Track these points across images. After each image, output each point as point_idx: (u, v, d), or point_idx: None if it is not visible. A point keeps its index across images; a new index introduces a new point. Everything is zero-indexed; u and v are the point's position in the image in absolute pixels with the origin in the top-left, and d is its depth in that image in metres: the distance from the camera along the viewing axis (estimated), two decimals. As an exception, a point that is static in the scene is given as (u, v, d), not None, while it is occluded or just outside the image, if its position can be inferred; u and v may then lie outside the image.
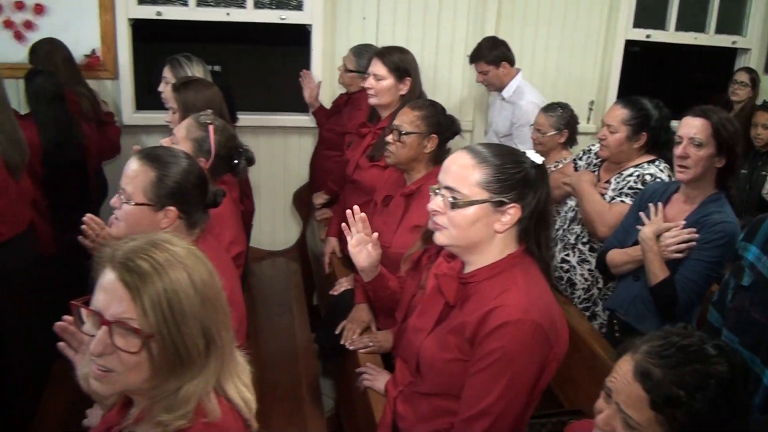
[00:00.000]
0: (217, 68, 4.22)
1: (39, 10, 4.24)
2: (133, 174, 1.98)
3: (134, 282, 1.24)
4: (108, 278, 1.26)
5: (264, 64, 4.74)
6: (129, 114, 4.44)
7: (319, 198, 4.15)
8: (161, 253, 1.28)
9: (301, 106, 4.52)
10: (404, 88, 3.30)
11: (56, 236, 3.47)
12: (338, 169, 3.97)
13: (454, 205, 1.75)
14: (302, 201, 4.69)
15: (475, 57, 4.18)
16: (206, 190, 2.08)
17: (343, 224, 2.42)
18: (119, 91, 4.41)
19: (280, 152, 4.68)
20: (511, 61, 4.17)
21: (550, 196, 1.86)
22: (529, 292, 1.74)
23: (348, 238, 2.40)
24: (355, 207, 2.39)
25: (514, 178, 1.76)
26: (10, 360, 2.94)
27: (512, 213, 1.75)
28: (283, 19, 4.40)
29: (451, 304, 1.85)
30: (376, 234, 2.40)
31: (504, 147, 1.90)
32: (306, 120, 4.58)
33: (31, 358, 3.05)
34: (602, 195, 3.10)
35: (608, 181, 3.15)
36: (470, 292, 1.82)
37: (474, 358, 1.75)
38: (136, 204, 1.96)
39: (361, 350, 2.72)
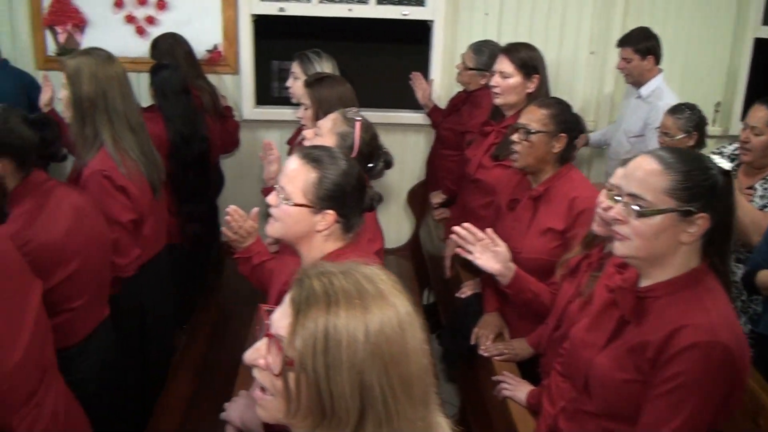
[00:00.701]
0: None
1: (162, 5, 4.31)
2: (294, 173, 1.93)
3: (300, 303, 1.13)
4: (290, 291, 1.18)
5: (382, 60, 4.68)
6: (249, 109, 4.47)
7: (437, 197, 4.08)
8: (346, 283, 1.13)
9: (416, 104, 4.45)
10: (531, 86, 3.17)
11: (180, 227, 3.52)
12: (457, 168, 3.89)
13: (640, 214, 1.64)
14: (416, 199, 4.63)
15: (624, 41, 3.98)
16: (364, 193, 2.02)
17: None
18: (240, 86, 4.44)
19: (396, 149, 4.55)
20: (657, 58, 3.98)
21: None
22: (717, 312, 1.61)
23: (469, 256, 2.32)
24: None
25: (703, 185, 1.63)
26: (149, 344, 3.00)
27: (700, 223, 1.63)
28: (405, 15, 4.34)
29: (628, 320, 1.74)
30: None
31: (689, 152, 1.78)
32: (423, 117, 4.51)
33: (164, 343, 3.14)
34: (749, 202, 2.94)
35: (752, 187, 2.97)
36: (648, 308, 1.70)
37: (655, 381, 1.63)
38: (296, 204, 1.92)
39: (495, 357, 2.63)
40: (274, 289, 2.15)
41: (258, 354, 1.16)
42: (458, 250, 2.52)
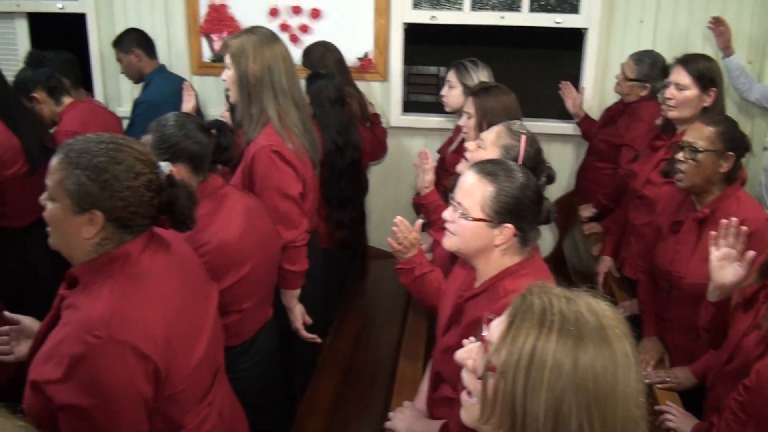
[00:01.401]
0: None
1: (315, 14, 4.40)
2: (471, 188, 1.93)
3: (515, 316, 1.13)
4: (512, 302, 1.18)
5: (529, 67, 4.60)
6: (396, 116, 4.50)
7: (587, 211, 3.97)
8: (566, 309, 1.12)
9: (565, 113, 4.35)
10: (708, 100, 3.03)
11: (330, 233, 3.57)
12: (610, 182, 3.77)
13: None
14: (561, 211, 4.51)
15: None
16: (542, 206, 1.99)
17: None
18: (388, 93, 4.48)
19: (543, 160, 4.54)
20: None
21: None
22: None
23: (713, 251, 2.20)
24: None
25: None
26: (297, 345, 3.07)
27: None
28: (558, 23, 4.24)
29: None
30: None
31: None
32: (569, 127, 4.40)
33: (310, 344, 3.18)
34: None
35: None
36: None
37: None
38: (473, 219, 1.91)
39: (657, 385, 2.52)
40: (446, 302, 2.15)
41: (469, 355, 1.18)
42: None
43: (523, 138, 2.43)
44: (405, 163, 4.51)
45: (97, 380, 1.55)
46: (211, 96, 4.52)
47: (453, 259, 2.50)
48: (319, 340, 2.98)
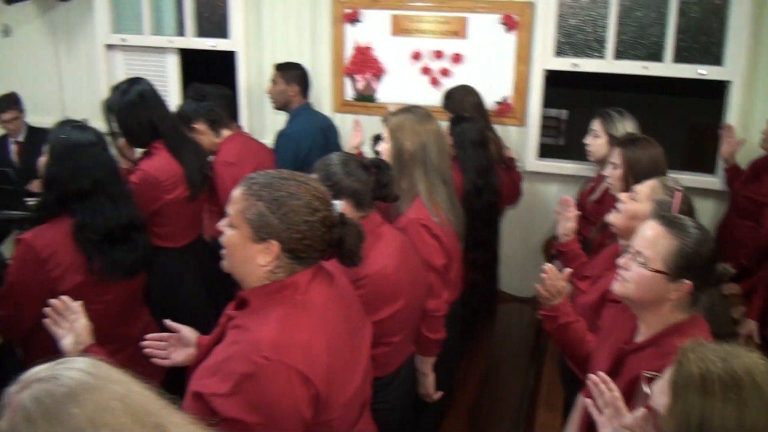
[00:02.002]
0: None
1: (457, 59, 4.50)
2: (654, 238, 1.95)
3: (677, 385, 1.18)
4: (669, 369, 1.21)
5: (667, 115, 4.53)
6: (531, 160, 4.51)
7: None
8: (723, 372, 1.16)
9: (703, 166, 4.23)
10: None
11: (465, 275, 3.60)
12: (752, 241, 3.65)
13: None
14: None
15: None
16: (715, 264, 1.97)
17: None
18: (525, 138, 4.51)
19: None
20: None
21: None
22: None
23: None
24: None
25: None
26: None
27: None
28: (702, 74, 4.16)
29: None
30: None
31: None
32: (710, 182, 4.28)
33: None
34: None
35: None
36: None
37: None
38: (653, 270, 1.92)
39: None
40: (603, 353, 2.14)
41: (635, 422, 1.24)
42: None
43: (678, 194, 2.41)
44: (537, 208, 4.52)
45: (263, 399, 1.63)
46: (350, 133, 4.65)
47: (596, 310, 2.49)
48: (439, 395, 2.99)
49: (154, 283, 2.91)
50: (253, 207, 1.75)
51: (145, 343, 2.18)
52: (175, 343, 2.17)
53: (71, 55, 5.66)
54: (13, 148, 5.19)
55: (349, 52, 4.71)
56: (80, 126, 2.59)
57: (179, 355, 2.13)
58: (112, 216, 2.53)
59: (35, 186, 4.85)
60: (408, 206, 2.80)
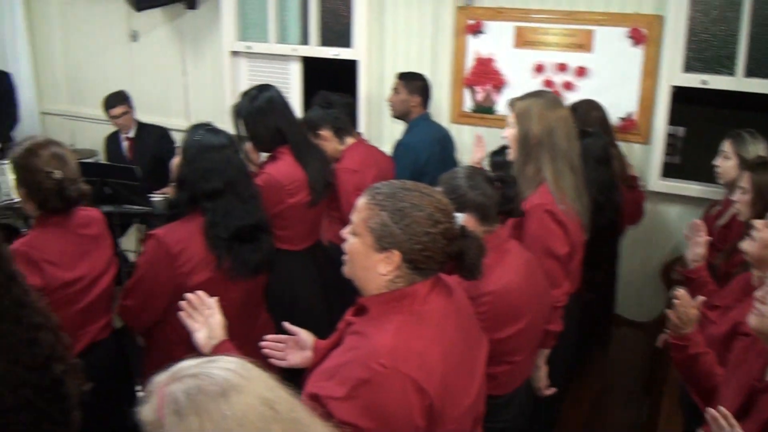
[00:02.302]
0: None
1: (581, 72, 4.41)
2: None
3: None
4: None
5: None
6: (654, 180, 4.37)
7: None
8: None
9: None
10: None
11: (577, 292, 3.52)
12: None
13: None
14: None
15: None
16: None
17: None
18: (648, 156, 4.36)
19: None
20: None
21: None
22: None
23: None
24: None
25: None
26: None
27: None
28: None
29: None
30: None
31: None
32: None
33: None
34: None
35: None
36: None
37: None
38: None
39: None
40: (732, 388, 2.04)
41: None
42: None
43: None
44: (658, 229, 4.37)
45: (378, 406, 1.63)
46: (466, 144, 4.64)
47: (726, 342, 2.37)
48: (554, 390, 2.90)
49: (272, 284, 2.96)
50: (376, 216, 1.77)
51: (263, 343, 2.23)
52: (293, 346, 2.21)
53: (197, 61, 5.89)
54: (125, 145, 5.44)
55: (469, 63, 4.69)
56: (213, 129, 2.67)
57: (295, 358, 2.17)
58: (241, 216, 2.60)
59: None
60: (532, 192, 2.75)
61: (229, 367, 1.18)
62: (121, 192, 4.46)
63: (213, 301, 2.16)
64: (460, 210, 2.14)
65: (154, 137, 5.42)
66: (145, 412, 1.17)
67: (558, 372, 2.97)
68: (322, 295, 3.42)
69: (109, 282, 2.75)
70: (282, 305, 3.07)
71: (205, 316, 2.13)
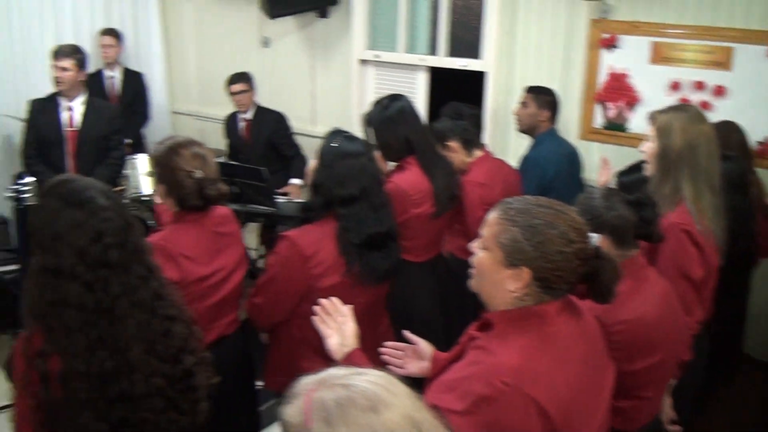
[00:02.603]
0: None
1: (719, 91, 4.23)
2: None
3: None
4: None
5: None
6: (794, 210, 4.11)
7: None
8: None
9: None
10: None
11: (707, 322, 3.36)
12: None
13: None
14: None
15: None
16: None
17: None
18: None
19: None
20: None
21: None
22: None
23: None
24: None
25: None
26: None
27: None
28: None
29: None
30: None
31: None
32: None
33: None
34: None
35: None
36: None
37: None
38: None
39: None
40: None
41: None
42: None
43: None
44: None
45: (497, 424, 1.61)
46: (594, 162, 4.52)
47: None
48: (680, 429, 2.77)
49: (393, 293, 2.97)
50: (507, 232, 1.74)
51: (384, 350, 2.25)
52: (411, 355, 2.22)
53: (325, 68, 6.01)
54: (242, 125, 5.65)
55: (602, 78, 4.58)
56: (350, 137, 2.71)
57: (413, 367, 2.18)
58: (373, 223, 2.63)
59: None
60: (670, 210, 2.66)
61: (379, 381, 1.19)
62: (247, 192, 4.59)
63: (347, 309, 2.18)
64: (595, 231, 2.09)
65: (270, 121, 5.61)
66: (290, 412, 1.18)
67: (684, 405, 2.84)
68: (441, 308, 3.40)
69: (240, 279, 2.83)
70: (401, 314, 3.08)
71: (338, 323, 2.15)
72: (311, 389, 1.18)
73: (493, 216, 1.81)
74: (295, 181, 5.53)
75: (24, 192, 4.09)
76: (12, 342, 4.64)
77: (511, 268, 1.74)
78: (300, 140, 5.85)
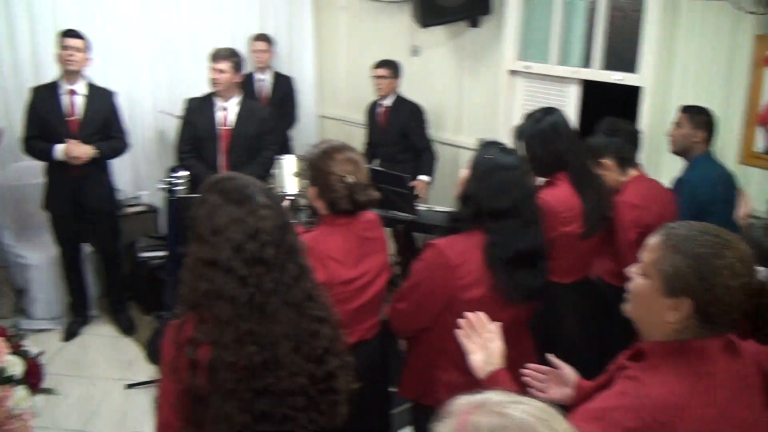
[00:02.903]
0: None
1: None
2: None
3: None
4: None
5: None
6: None
7: None
8: None
9: None
10: None
11: None
12: None
13: None
14: None
15: None
16: None
17: None
18: None
19: None
20: None
21: None
22: None
23: None
24: None
25: None
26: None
27: None
28: None
29: None
30: None
31: None
32: None
33: None
34: None
35: None
36: None
37: None
38: None
39: None
40: None
41: None
42: None
43: None
44: None
45: None
46: (753, 190, 4.25)
47: None
48: None
49: (536, 314, 2.89)
50: (670, 259, 1.65)
51: (525, 371, 2.19)
52: (554, 379, 2.15)
53: (474, 78, 5.98)
54: (380, 111, 5.89)
55: (765, 99, 4.28)
56: (505, 149, 2.67)
57: (556, 392, 2.12)
58: (523, 239, 2.56)
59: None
60: None
61: (539, 415, 1.14)
62: (390, 198, 4.62)
63: (496, 326, 2.14)
64: (758, 264, 1.95)
65: (407, 110, 5.78)
66: (443, 430, 1.16)
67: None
68: (586, 333, 3.28)
69: (383, 284, 2.85)
70: (545, 337, 2.99)
71: (483, 339, 2.11)
72: (467, 411, 1.15)
73: (654, 241, 1.72)
74: (423, 177, 5.56)
75: (176, 185, 4.29)
76: (154, 323, 4.92)
77: (671, 297, 1.65)
78: (444, 149, 5.85)
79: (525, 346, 2.83)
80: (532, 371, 2.20)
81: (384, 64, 5.76)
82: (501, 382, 1.99)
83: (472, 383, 2.13)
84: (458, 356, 2.20)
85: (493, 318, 2.19)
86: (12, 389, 2.96)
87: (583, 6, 5.13)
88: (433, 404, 2.66)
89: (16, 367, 3.00)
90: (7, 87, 5.50)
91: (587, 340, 3.26)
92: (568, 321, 3.23)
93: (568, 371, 2.14)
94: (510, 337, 2.69)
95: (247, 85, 6.06)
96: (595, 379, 1.93)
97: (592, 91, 5.27)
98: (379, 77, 5.74)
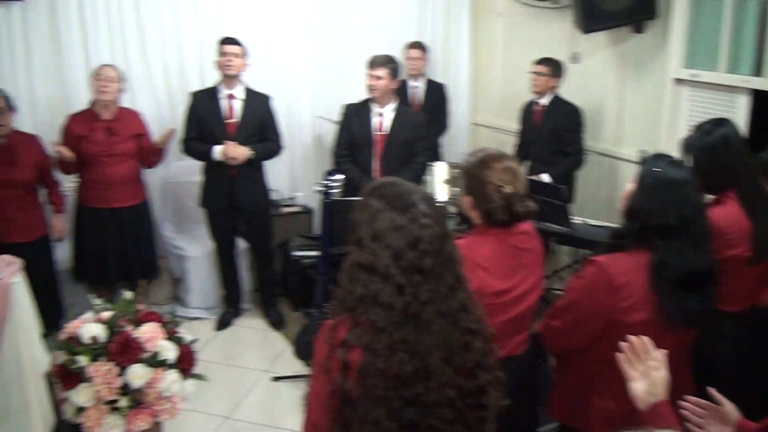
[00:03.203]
0: None
1: None
2: None
3: None
4: None
5: None
6: None
7: None
8: None
9: None
10: None
11: None
12: None
13: None
14: None
15: None
16: None
17: None
18: None
19: None
20: None
21: None
22: None
23: None
24: None
25: None
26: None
27: None
28: None
29: None
30: None
31: None
32: None
33: None
34: None
35: None
36: None
37: None
38: None
39: None
40: None
41: None
42: None
43: None
44: None
45: None
46: None
47: None
48: None
49: (698, 343, 2.70)
50: None
51: (683, 404, 2.05)
52: (714, 416, 2.01)
53: (636, 86, 5.75)
54: (536, 109, 5.78)
55: None
56: (675, 162, 2.52)
57: (715, 430, 1.99)
58: (692, 260, 2.40)
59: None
60: None
61: None
62: (544, 210, 4.51)
63: (662, 354, 2.01)
64: None
65: (563, 111, 5.64)
66: None
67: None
68: (750, 368, 3.03)
69: (536, 299, 2.76)
70: (705, 368, 2.79)
71: (646, 367, 2.00)
72: None
73: None
74: (544, 176, 5.36)
75: (332, 187, 4.39)
76: (303, 320, 5.05)
77: None
78: (602, 160, 5.65)
79: (684, 377, 2.65)
80: (691, 405, 2.06)
81: (544, 60, 5.66)
82: (663, 415, 1.88)
83: (628, 412, 2.03)
84: (615, 383, 2.10)
85: (656, 344, 2.07)
86: (164, 372, 3.13)
87: (755, 9, 4.78)
88: (582, 428, 2.56)
89: (169, 352, 3.16)
90: (173, 92, 5.84)
91: (751, 376, 3.01)
92: (731, 353, 2.99)
93: (730, 408, 1.99)
94: (670, 365, 2.55)
95: (400, 92, 6.10)
96: (761, 422, 1.81)
97: (763, 101, 4.89)
98: (536, 73, 5.65)
